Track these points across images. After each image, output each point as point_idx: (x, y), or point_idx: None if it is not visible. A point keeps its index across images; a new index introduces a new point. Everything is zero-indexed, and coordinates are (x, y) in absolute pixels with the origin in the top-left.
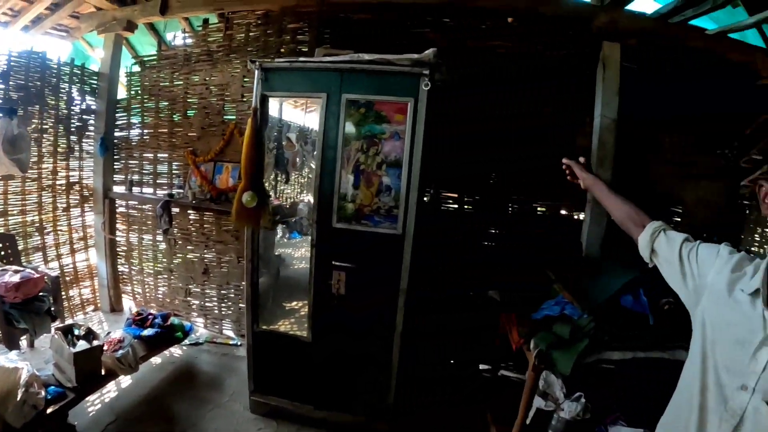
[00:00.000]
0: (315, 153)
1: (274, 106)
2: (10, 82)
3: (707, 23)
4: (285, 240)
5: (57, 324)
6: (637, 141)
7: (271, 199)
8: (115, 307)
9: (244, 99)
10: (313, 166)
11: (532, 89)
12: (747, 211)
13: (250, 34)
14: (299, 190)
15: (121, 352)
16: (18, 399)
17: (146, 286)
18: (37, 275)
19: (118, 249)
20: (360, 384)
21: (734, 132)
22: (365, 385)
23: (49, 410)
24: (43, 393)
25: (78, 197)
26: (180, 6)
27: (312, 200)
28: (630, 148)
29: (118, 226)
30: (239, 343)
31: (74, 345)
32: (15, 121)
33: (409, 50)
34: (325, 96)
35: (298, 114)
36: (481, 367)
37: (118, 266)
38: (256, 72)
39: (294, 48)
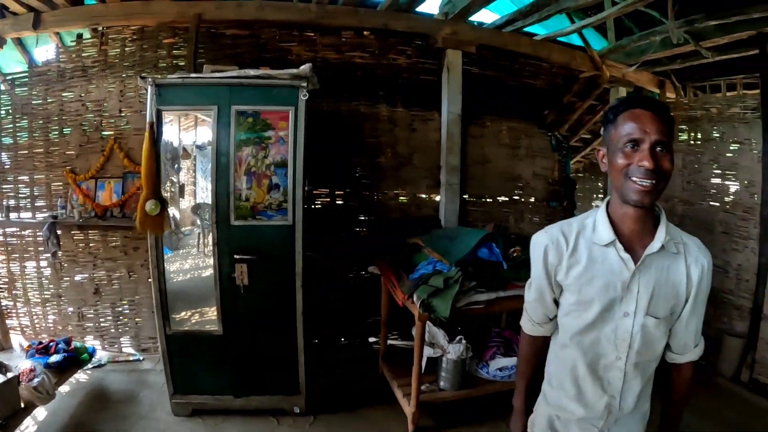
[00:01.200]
0: (210, 160)
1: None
2: None
3: (540, 29)
4: None
5: None
6: (478, 130)
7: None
8: (4, 346)
9: (123, 114)
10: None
11: (388, 92)
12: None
13: (126, 49)
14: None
15: (36, 380)
16: None
17: (34, 317)
18: None
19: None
20: (273, 366)
21: (563, 118)
22: (278, 366)
23: None
24: None
25: None
26: (54, 20)
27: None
28: (472, 136)
29: None
30: (141, 358)
31: None
32: None
33: (277, 62)
34: (216, 108)
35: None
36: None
37: (1, 300)
38: (149, 88)
39: (171, 63)
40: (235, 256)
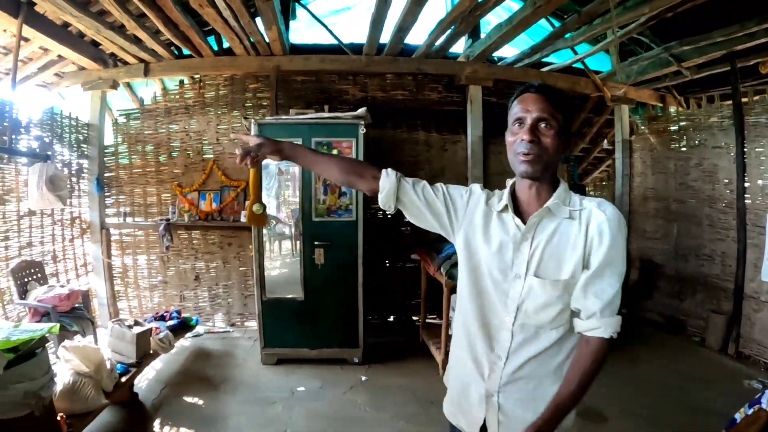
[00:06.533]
0: (297, 178)
1: None
2: (31, 133)
3: (555, 58)
4: None
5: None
6: (497, 147)
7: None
8: None
9: (219, 141)
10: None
11: (424, 121)
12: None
13: (220, 92)
14: None
15: (162, 334)
16: (107, 369)
17: (142, 299)
18: (77, 289)
19: (113, 271)
20: (339, 325)
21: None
22: (343, 325)
23: (123, 380)
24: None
25: (79, 230)
26: (161, 69)
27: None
28: (492, 153)
29: (113, 251)
30: (231, 330)
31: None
32: (50, 163)
33: (336, 101)
34: (301, 140)
35: None
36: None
37: (115, 286)
38: (253, 126)
39: (255, 102)
40: (315, 243)
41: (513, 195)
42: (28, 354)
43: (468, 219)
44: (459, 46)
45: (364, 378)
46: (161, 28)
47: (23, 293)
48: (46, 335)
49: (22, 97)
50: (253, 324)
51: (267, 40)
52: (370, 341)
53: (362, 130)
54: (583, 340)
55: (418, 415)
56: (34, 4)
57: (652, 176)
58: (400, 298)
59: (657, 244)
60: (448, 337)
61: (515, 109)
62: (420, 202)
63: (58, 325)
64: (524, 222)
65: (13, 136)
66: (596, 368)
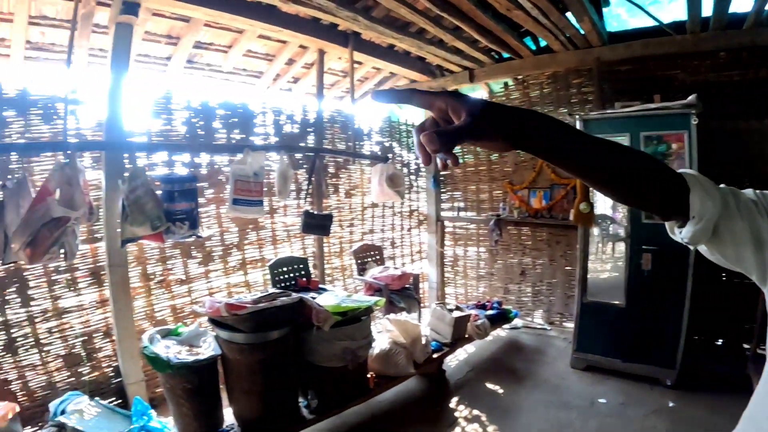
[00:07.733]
0: None
1: None
2: (372, 139)
3: None
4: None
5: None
6: None
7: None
8: None
9: None
10: None
11: None
12: None
13: (543, 90)
14: None
15: (479, 321)
16: (422, 344)
17: (468, 287)
18: (408, 272)
19: (445, 259)
20: (657, 340)
21: None
22: (660, 341)
23: (434, 356)
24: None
25: (416, 221)
26: (484, 74)
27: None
28: None
29: (446, 242)
30: (549, 328)
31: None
32: (389, 164)
33: (667, 88)
34: (628, 135)
35: None
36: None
37: (445, 273)
38: (577, 122)
39: (580, 98)
40: (642, 247)
41: None
42: (353, 319)
43: None
44: None
45: (671, 404)
46: (477, 37)
47: (362, 271)
48: (372, 306)
49: (363, 110)
50: (571, 325)
51: (582, 33)
52: (689, 363)
53: (694, 121)
54: None
55: None
56: (360, 34)
57: None
58: (732, 320)
59: None
60: None
61: None
62: (745, 230)
63: (384, 300)
64: None
65: (357, 143)
66: None
